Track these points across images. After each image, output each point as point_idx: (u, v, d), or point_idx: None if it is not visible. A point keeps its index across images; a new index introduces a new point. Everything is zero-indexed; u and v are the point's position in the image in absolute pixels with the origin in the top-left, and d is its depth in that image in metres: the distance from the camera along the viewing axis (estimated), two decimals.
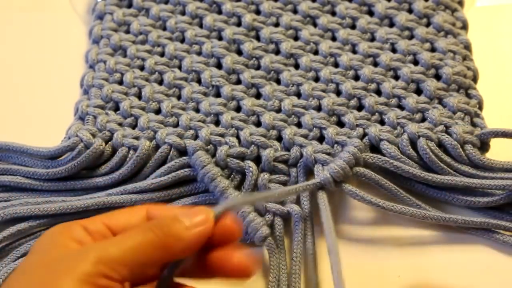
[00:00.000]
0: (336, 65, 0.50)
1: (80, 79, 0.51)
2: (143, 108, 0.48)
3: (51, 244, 0.33)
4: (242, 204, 0.42)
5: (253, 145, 0.46)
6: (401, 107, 0.48)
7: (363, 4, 0.53)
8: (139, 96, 0.49)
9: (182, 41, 0.52)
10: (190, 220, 0.34)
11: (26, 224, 0.43)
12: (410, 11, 0.53)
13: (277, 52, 0.51)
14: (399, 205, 0.43)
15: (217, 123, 0.48)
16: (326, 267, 0.42)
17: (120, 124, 0.48)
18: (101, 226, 0.34)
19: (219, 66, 0.51)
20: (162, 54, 0.52)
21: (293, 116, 0.47)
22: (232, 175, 0.45)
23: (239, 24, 0.53)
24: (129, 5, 0.55)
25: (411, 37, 0.51)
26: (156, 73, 0.50)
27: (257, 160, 0.46)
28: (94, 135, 0.46)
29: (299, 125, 0.47)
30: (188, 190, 0.45)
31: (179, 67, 0.51)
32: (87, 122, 0.47)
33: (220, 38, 0.52)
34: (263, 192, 0.44)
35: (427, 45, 0.51)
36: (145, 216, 0.35)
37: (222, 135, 0.46)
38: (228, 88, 0.49)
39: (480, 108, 0.48)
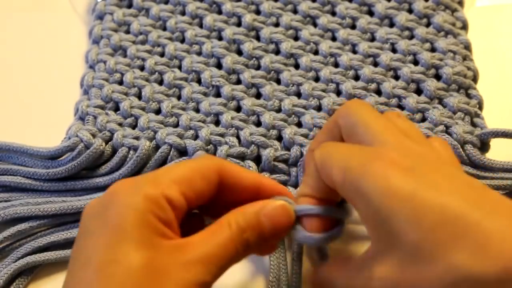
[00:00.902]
0: (336, 65, 0.50)
1: (80, 79, 0.51)
2: (143, 108, 0.48)
3: (134, 227, 0.30)
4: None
5: (253, 145, 0.46)
6: (401, 107, 0.48)
7: (363, 4, 0.53)
8: (139, 96, 0.49)
9: (182, 41, 0.52)
10: (271, 222, 0.34)
11: (27, 224, 0.43)
12: (410, 11, 0.53)
13: (277, 52, 0.51)
14: None
15: (217, 123, 0.48)
16: None
17: (120, 124, 0.48)
18: (181, 199, 0.32)
19: (219, 66, 0.51)
20: (162, 54, 0.52)
21: (293, 115, 0.47)
22: None
23: (239, 24, 0.53)
24: (129, 5, 0.55)
25: (411, 37, 0.51)
26: (156, 73, 0.50)
27: (257, 159, 0.46)
28: (94, 135, 0.46)
29: (299, 124, 0.47)
30: None
31: (179, 67, 0.51)
32: (87, 122, 0.47)
33: (220, 38, 0.52)
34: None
35: (427, 45, 0.51)
36: (216, 181, 0.34)
37: (222, 135, 0.46)
38: (228, 88, 0.49)
39: (480, 108, 0.48)
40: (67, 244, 0.44)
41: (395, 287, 0.30)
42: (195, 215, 0.37)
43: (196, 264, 0.31)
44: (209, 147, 0.46)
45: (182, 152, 0.46)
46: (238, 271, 0.43)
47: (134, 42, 0.52)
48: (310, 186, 0.36)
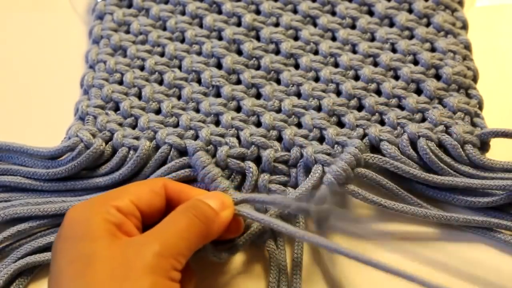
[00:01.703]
0: (336, 65, 0.50)
1: (80, 79, 0.51)
2: (143, 108, 0.48)
3: (97, 231, 0.34)
4: (260, 203, 0.42)
5: (253, 146, 0.46)
6: (401, 107, 0.48)
7: (363, 4, 0.53)
8: (139, 96, 0.49)
9: (182, 41, 0.52)
10: (215, 203, 0.37)
11: (27, 224, 0.43)
12: (410, 11, 0.53)
13: (277, 52, 0.51)
14: (401, 204, 0.43)
15: (217, 123, 0.48)
16: (328, 267, 0.42)
17: (120, 124, 0.48)
18: (130, 205, 0.36)
19: (219, 66, 0.51)
20: (162, 54, 0.51)
21: (293, 116, 0.47)
22: (233, 176, 0.45)
23: (239, 24, 0.53)
24: (129, 5, 0.55)
25: (411, 37, 0.51)
26: (156, 73, 0.50)
27: (258, 160, 0.46)
28: (94, 135, 0.46)
29: (299, 125, 0.47)
30: None
31: (179, 67, 0.51)
32: (87, 122, 0.47)
33: (220, 38, 0.52)
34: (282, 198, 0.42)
35: (427, 45, 0.51)
36: (164, 194, 0.38)
37: (222, 136, 0.46)
38: (228, 88, 0.49)
39: (480, 108, 0.48)
40: None
41: None
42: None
43: (151, 243, 0.34)
44: (209, 147, 0.46)
45: (182, 152, 0.46)
46: (239, 272, 0.43)
47: (134, 42, 0.52)
48: None
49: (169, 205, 0.39)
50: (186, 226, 0.35)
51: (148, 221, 0.37)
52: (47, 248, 0.44)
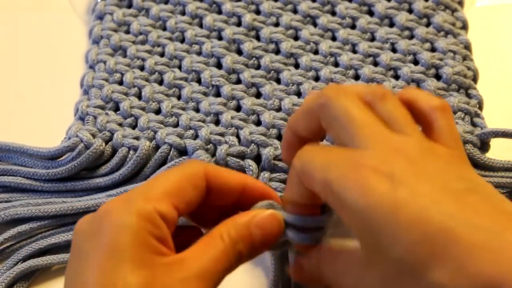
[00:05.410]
0: (336, 64, 0.50)
1: (80, 80, 0.51)
2: (143, 108, 0.48)
3: (141, 247, 0.30)
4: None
5: (253, 144, 0.46)
6: None
7: (363, 4, 0.53)
8: (139, 96, 0.49)
9: (182, 41, 0.52)
10: (262, 232, 0.33)
11: (27, 226, 0.43)
12: (410, 11, 0.53)
13: (277, 51, 0.51)
14: None
15: (217, 122, 0.48)
16: None
17: (120, 124, 0.48)
18: (173, 211, 0.31)
19: (219, 66, 0.51)
20: (162, 54, 0.52)
21: None
22: None
23: (239, 24, 0.53)
24: (129, 5, 0.55)
25: (411, 37, 0.51)
26: (156, 73, 0.50)
27: (257, 159, 0.46)
28: (94, 136, 0.46)
29: None
30: None
31: (179, 67, 0.51)
32: (87, 123, 0.47)
33: (220, 38, 0.52)
34: None
35: (427, 45, 0.51)
36: (205, 187, 0.33)
37: (222, 134, 0.46)
38: (228, 88, 0.49)
39: (480, 108, 0.48)
40: (68, 246, 0.44)
41: None
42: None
43: (193, 280, 0.30)
44: (209, 146, 0.46)
45: (182, 152, 0.46)
46: (240, 270, 0.43)
47: (134, 42, 0.52)
48: (294, 192, 0.34)
49: (207, 190, 0.34)
50: (221, 267, 0.32)
51: (182, 215, 0.33)
52: (48, 250, 0.43)
